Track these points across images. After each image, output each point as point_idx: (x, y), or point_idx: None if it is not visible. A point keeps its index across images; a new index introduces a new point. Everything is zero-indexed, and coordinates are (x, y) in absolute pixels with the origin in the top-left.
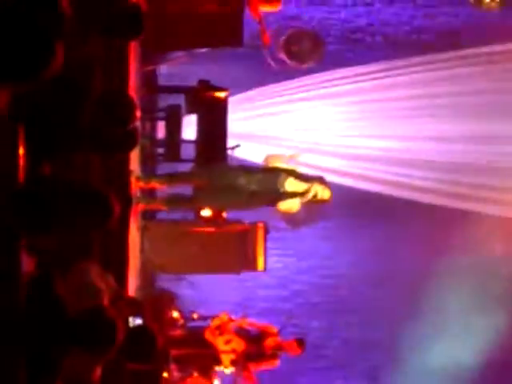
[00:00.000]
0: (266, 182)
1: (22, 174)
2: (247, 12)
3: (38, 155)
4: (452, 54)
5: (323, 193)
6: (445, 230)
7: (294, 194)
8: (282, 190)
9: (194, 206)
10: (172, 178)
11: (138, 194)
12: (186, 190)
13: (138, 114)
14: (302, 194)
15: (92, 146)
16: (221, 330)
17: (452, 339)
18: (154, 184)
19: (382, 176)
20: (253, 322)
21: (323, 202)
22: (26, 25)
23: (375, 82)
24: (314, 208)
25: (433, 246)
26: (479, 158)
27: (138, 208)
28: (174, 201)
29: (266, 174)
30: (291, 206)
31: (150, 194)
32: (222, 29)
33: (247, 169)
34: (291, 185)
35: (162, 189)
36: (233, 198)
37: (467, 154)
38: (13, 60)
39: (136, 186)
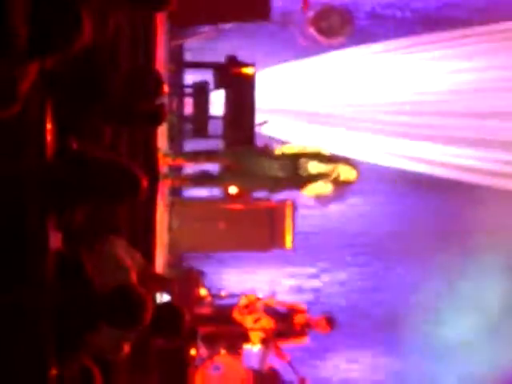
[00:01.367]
0: (290, 167)
1: (49, 149)
2: None
3: (66, 129)
4: (483, 28)
5: (349, 173)
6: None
7: (317, 177)
8: (305, 173)
9: (219, 185)
10: (199, 156)
11: (166, 170)
12: (212, 167)
13: (166, 89)
14: (324, 176)
15: (120, 121)
16: (249, 309)
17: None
18: (181, 161)
19: (413, 153)
20: (281, 301)
21: (348, 182)
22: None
23: (405, 56)
24: (340, 188)
25: (470, 225)
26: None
27: (165, 184)
28: (200, 179)
29: (290, 159)
30: (320, 189)
31: (176, 170)
32: (249, 2)
33: (272, 154)
34: (314, 167)
35: (189, 166)
36: (258, 182)
37: (503, 130)
38: (42, 30)
39: (163, 162)
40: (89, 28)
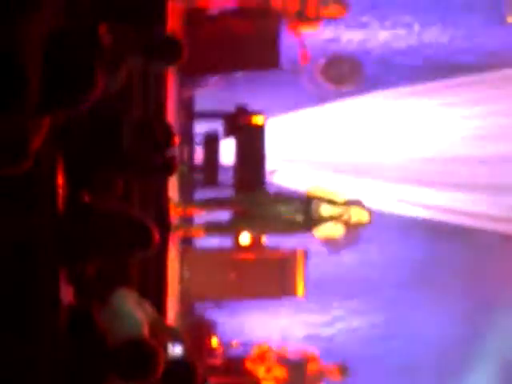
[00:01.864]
0: (303, 210)
1: (61, 203)
2: (284, 35)
3: (78, 183)
4: (494, 74)
5: (360, 215)
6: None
7: (328, 219)
8: (316, 216)
9: (232, 232)
10: (210, 204)
11: (177, 220)
12: (223, 215)
13: (177, 140)
14: (336, 218)
15: (131, 173)
16: (261, 358)
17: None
18: (193, 210)
19: (425, 200)
20: (293, 349)
21: (360, 224)
22: (68, 52)
23: (416, 103)
24: (352, 232)
25: (479, 276)
26: None
27: (176, 235)
28: (213, 227)
29: (302, 202)
30: (331, 231)
31: (188, 219)
32: (259, 52)
33: (285, 197)
34: (326, 210)
35: (200, 215)
36: (270, 226)
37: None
38: (54, 85)
39: (175, 213)
40: (102, 83)
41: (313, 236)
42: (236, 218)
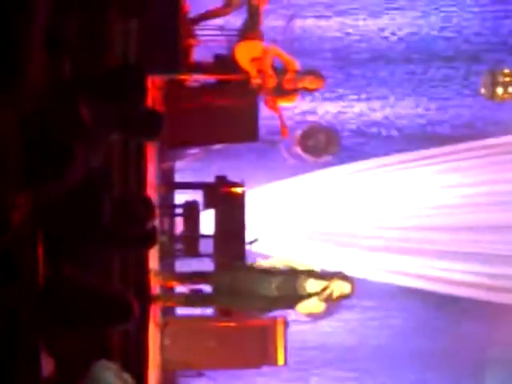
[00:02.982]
0: (287, 286)
1: (41, 277)
2: (263, 107)
3: (58, 257)
4: (467, 145)
5: (343, 288)
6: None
7: (311, 295)
8: (302, 292)
9: (212, 305)
10: (193, 277)
11: (158, 291)
12: (205, 287)
13: (156, 213)
14: (319, 293)
15: (111, 246)
16: None
17: None
18: (174, 282)
19: (405, 268)
20: None
21: (344, 297)
22: (48, 129)
23: (391, 174)
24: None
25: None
26: (496, 247)
27: (157, 305)
28: (194, 300)
29: (286, 277)
30: (313, 308)
31: (169, 290)
32: (238, 124)
33: (268, 272)
34: (311, 285)
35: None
36: (253, 303)
37: (493, 243)
38: (36, 163)
39: (155, 283)
40: (81, 160)
41: (295, 311)
42: (217, 294)
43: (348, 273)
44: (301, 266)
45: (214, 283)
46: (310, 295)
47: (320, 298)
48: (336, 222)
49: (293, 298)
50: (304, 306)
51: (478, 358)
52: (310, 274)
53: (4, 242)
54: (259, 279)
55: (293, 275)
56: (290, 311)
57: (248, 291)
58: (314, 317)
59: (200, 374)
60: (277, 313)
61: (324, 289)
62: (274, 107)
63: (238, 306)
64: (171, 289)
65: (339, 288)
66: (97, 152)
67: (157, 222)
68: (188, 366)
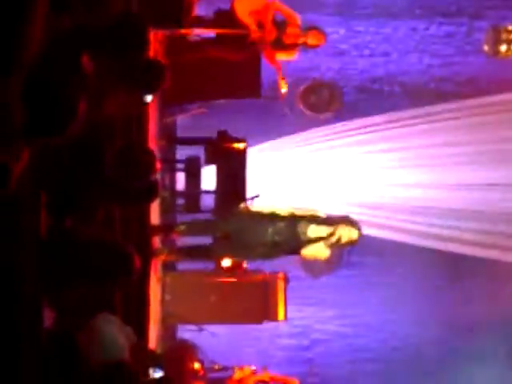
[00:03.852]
0: (288, 231)
1: (44, 229)
2: (265, 62)
3: (60, 210)
4: (469, 102)
5: (350, 233)
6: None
7: (317, 240)
8: (304, 237)
9: (214, 257)
10: (192, 227)
11: (159, 245)
12: (206, 239)
13: (158, 166)
14: (325, 238)
15: (113, 199)
16: (242, 383)
17: None
18: (175, 234)
19: (397, 224)
20: (274, 376)
21: (351, 243)
22: (50, 80)
23: (393, 131)
24: (333, 256)
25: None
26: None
27: (158, 259)
28: (194, 252)
29: (287, 223)
30: (319, 252)
31: (170, 243)
32: (240, 80)
33: (268, 218)
34: (314, 231)
35: (183, 238)
36: (254, 250)
37: (489, 201)
38: (35, 115)
39: (156, 238)
40: (83, 111)
41: (299, 258)
42: (218, 244)
43: (354, 218)
44: (303, 212)
45: (214, 232)
46: (312, 240)
47: (327, 243)
48: (337, 179)
49: (294, 243)
50: (309, 251)
51: (478, 317)
52: (313, 219)
53: (5, 194)
54: (259, 225)
55: (294, 220)
56: (290, 266)
57: (248, 239)
58: (314, 273)
59: (201, 329)
60: (277, 266)
61: (330, 234)
62: (272, 61)
63: (240, 256)
64: (172, 242)
65: (346, 233)
66: (99, 104)
67: (158, 177)
68: (188, 320)
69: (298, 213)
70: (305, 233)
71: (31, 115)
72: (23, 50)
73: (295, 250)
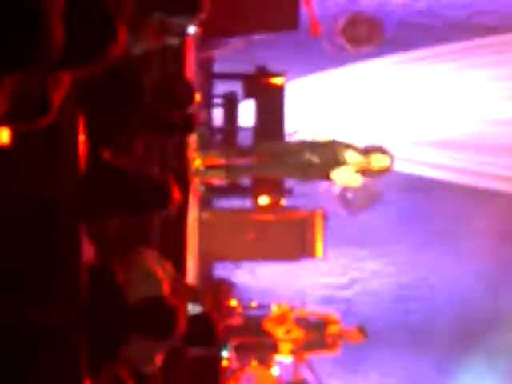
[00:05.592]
0: (326, 154)
1: (83, 160)
2: None
3: (99, 141)
4: None
5: (382, 161)
6: None
7: (350, 162)
8: (341, 159)
9: (253, 175)
10: (231, 151)
11: (199, 168)
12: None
13: (197, 97)
14: (358, 165)
15: (152, 130)
16: (281, 319)
17: None
18: (213, 157)
19: (445, 162)
20: (313, 311)
21: (383, 170)
22: (91, 6)
23: (435, 65)
24: (372, 193)
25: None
26: None
27: (195, 196)
28: (234, 170)
29: (325, 147)
30: (351, 180)
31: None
32: (278, 13)
33: (307, 143)
34: (351, 155)
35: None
36: (292, 169)
37: None
38: (76, 40)
39: (194, 165)
40: (123, 38)
41: (332, 182)
42: (257, 166)
43: (387, 148)
44: (341, 140)
45: (253, 156)
46: (347, 162)
47: (358, 167)
48: (376, 115)
49: (333, 165)
50: (341, 176)
51: None
52: (349, 146)
53: (45, 122)
54: (298, 149)
55: (332, 145)
56: (329, 204)
57: (286, 160)
58: (352, 210)
59: (237, 266)
60: (315, 205)
61: (364, 160)
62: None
63: (276, 174)
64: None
65: (379, 161)
66: (138, 37)
67: (196, 108)
68: (226, 257)
69: (336, 140)
70: (342, 155)
71: (71, 39)
72: None
73: (330, 170)
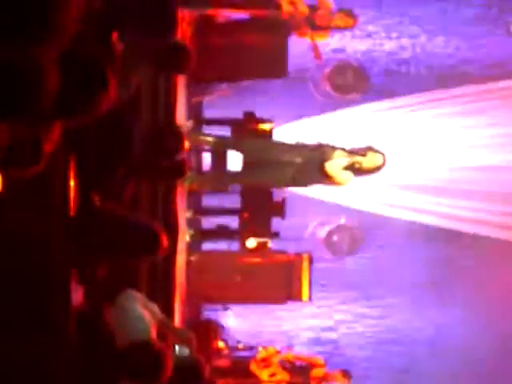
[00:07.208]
0: (313, 157)
1: (73, 205)
2: (292, 44)
3: (89, 187)
4: (496, 85)
5: (375, 159)
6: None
7: (342, 167)
8: (328, 159)
9: (239, 182)
10: (219, 141)
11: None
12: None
13: (186, 145)
14: (349, 166)
15: (141, 176)
16: (266, 362)
17: None
18: (202, 141)
19: (426, 206)
20: (298, 355)
21: (376, 169)
22: (82, 59)
23: (420, 112)
24: (356, 238)
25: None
26: None
27: (183, 240)
28: (222, 178)
29: (312, 149)
30: (342, 177)
31: (195, 223)
32: (267, 60)
33: (294, 145)
34: (339, 154)
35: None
36: (279, 174)
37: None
38: (68, 91)
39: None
40: (114, 89)
41: (325, 183)
42: (244, 168)
43: (377, 147)
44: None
45: (243, 150)
46: (339, 167)
47: (352, 162)
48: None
49: (321, 169)
50: (332, 172)
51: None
52: (338, 148)
53: (36, 169)
54: (284, 151)
55: (320, 148)
56: (315, 248)
57: (273, 162)
58: (338, 253)
59: (225, 308)
60: (301, 248)
61: (355, 159)
62: (305, 34)
63: (264, 180)
64: (198, 221)
65: (372, 159)
66: (128, 84)
67: (186, 156)
68: (213, 300)
69: (325, 144)
70: (331, 158)
71: (63, 90)
72: (64, 17)
73: (320, 175)
